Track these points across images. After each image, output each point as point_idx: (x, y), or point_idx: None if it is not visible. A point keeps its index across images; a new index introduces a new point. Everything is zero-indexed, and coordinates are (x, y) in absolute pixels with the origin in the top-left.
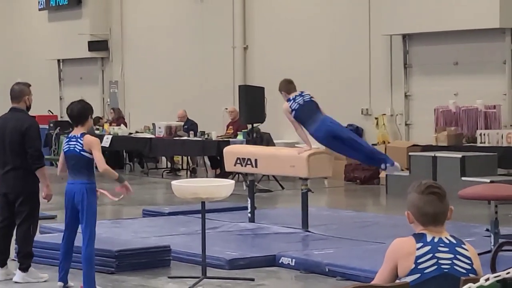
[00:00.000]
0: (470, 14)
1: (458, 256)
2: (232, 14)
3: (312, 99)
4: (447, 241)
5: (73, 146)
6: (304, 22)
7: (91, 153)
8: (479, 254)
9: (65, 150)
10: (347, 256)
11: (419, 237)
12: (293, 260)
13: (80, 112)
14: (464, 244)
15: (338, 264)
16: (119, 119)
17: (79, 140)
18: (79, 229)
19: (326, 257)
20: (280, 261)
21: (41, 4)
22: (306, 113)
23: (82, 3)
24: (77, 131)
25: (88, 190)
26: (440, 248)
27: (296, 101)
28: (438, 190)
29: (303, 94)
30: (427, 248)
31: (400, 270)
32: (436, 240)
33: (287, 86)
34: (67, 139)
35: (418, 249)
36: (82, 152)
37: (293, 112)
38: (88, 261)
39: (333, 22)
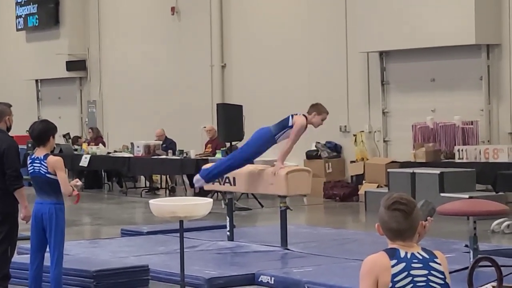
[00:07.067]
0: (446, 31)
1: (432, 272)
2: (210, 32)
3: None
4: (420, 257)
5: (38, 168)
6: (282, 40)
7: (56, 175)
8: (457, 270)
9: (30, 171)
10: (326, 273)
11: (392, 253)
12: (272, 278)
13: (41, 132)
14: (436, 257)
15: (318, 282)
16: (97, 139)
17: (42, 162)
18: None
19: (306, 275)
20: (259, 280)
21: (19, 24)
22: None
23: (59, 23)
24: (39, 152)
25: (57, 210)
26: (413, 265)
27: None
28: (404, 206)
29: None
30: (402, 265)
31: (380, 286)
32: (409, 256)
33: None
34: (31, 160)
35: (393, 266)
36: (47, 175)
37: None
38: (56, 282)
39: (310, 40)
